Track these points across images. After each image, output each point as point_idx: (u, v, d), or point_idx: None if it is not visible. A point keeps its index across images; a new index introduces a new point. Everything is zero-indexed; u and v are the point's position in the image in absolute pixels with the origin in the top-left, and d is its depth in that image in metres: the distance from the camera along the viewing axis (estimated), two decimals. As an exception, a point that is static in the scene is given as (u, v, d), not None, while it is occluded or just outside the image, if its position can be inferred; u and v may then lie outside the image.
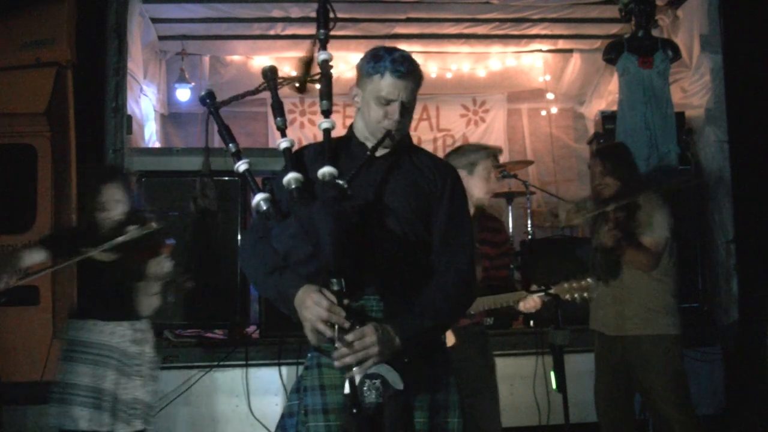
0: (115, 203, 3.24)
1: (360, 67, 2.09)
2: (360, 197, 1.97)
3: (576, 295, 3.27)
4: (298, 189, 1.97)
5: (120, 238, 3.09)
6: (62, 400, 3.19)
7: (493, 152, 3.37)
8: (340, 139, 2.16)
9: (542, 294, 3.27)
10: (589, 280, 3.27)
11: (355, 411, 1.84)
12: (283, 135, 2.07)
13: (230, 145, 2.08)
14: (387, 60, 2.02)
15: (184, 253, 4.57)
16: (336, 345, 1.84)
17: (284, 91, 2.20)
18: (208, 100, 2.10)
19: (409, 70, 2.03)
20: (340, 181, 1.95)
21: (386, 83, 2.02)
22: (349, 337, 1.83)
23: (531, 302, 3.29)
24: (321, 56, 2.11)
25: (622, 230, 3.43)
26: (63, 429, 3.19)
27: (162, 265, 3.17)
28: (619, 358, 3.59)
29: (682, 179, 4.95)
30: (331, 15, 2.15)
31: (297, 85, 2.50)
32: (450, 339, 2.97)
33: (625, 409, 3.64)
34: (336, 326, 1.83)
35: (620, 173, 3.61)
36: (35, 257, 3.22)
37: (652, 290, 3.52)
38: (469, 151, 3.36)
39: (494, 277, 3.33)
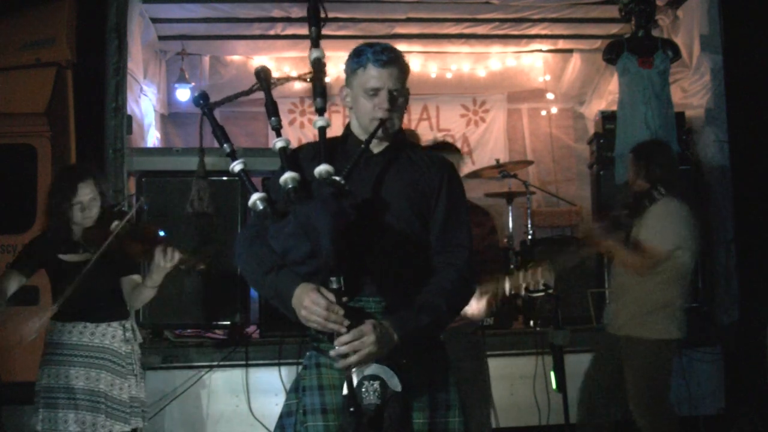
0: (91, 201, 3.19)
1: (345, 67, 2.12)
2: (358, 195, 1.97)
3: (531, 282, 2.99)
4: (294, 189, 1.97)
5: (111, 237, 3.03)
6: (53, 405, 3.13)
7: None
8: (336, 138, 2.16)
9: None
10: (546, 267, 3.01)
11: (352, 410, 1.84)
12: (278, 135, 2.06)
13: (224, 145, 2.09)
14: (368, 53, 2.05)
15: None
16: (335, 344, 1.84)
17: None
18: (201, 101, 2.11)
19: (390, 59, 2.04)
20: (337, 178, 1.94)
21: (370, 74, 2.04)
22: (348, 336, 1.83)
23: (474, 306, 2.95)
24: (313, 54, 2.12)
25: (616, 227, 3.39)
26: None
27: (169, 255, 3.04)
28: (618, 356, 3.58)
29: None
30: (323, 14, 2.15)
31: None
32: None
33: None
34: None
35: (652, 175, 3.49)
36: (13, 286, 3.20)
37: (647, 291, 3.48)
38: None
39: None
